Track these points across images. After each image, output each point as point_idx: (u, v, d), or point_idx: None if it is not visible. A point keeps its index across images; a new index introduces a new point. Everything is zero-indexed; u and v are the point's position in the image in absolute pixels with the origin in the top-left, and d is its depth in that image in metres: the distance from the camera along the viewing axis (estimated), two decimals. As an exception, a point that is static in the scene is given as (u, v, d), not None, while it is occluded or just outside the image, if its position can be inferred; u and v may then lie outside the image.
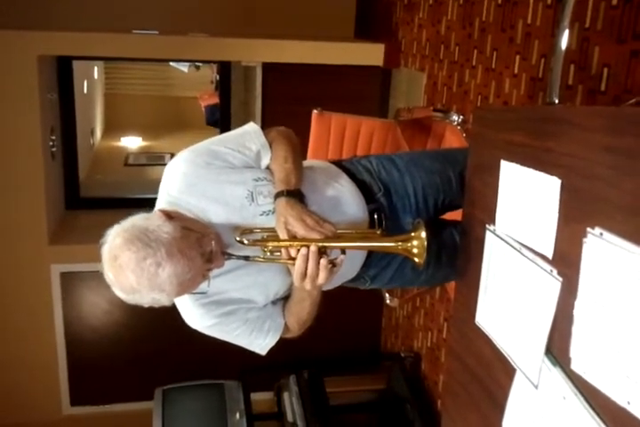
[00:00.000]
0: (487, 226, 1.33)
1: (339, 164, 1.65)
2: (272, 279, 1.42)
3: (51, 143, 4.41)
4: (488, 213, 1.33)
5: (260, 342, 1.48)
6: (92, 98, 7.59)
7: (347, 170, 1.62)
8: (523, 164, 1.20)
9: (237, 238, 1.32)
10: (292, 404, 3.98)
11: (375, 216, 1.55)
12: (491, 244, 1.32)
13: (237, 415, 3.93)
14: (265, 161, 1.47)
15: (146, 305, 1.28)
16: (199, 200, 1.39)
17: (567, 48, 1.80)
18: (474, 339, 1.39)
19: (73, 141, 4.86)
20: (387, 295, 2.64)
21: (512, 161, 1.24)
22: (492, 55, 2.99)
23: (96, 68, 7.93)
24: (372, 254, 1.56)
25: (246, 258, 1.33)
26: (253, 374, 4.09)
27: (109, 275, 1.25)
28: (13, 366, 4.63)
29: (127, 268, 1.21)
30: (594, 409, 0.99)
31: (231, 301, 1.44)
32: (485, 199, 1.34)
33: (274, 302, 1.50)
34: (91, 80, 7.34)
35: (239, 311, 1.45)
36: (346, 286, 1.67)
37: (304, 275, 1.28)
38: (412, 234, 1.28)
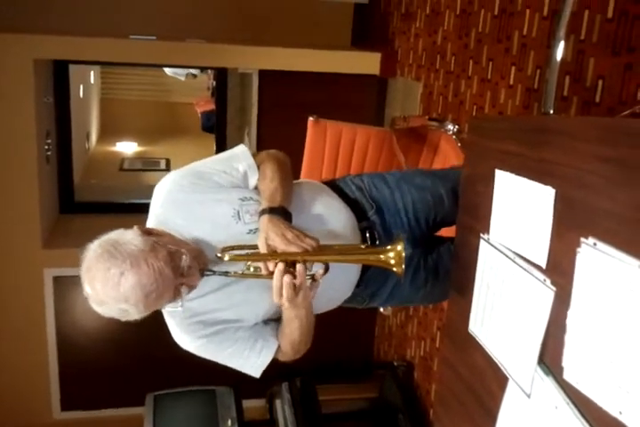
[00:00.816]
0: (481, 235, 1.33)
1: (331, 183, 1.67)
2: (261, 297, 1.41)
3: (46, 147, 4.40)
4: (482, 223, 1.33)
5: (254, 362, 1.47)
6: (88, 102, 7.59)
7: (339, 189, 1.63)
8: (517, 173, 1.20)
9: (218, 255, 1.33)
10: (284, 411, 3.96)
11: (367, 234, 1.56)
12: (485, 253, 1.32)
13: (229, 422, 3.91)
14: (252, 181, 1.48)
15: (121, 318, 1.30)
16: (185, 219, 1.41)
17: (562, 59, 1.82)
18: (467, 348, 1.39)
19: (68, 146, 4.86)
20: (380, 303, 2.64)
21: (507, 170, 1.24)
22: (487, 66, 3.01)
23: (92, 73, 7.93)
24: (366, 272, 1.56)
25: (226, 273, 1.34)
26: (245, 381, 4.06)
27: (85, 286, 1.28)
28: (4, 370, 4.60)
29: (96, 278, 1.25)
30: (586, 419, 0.99)
31: (219, 321, 1.44)
32: (480, 208, 1.35)
33: (265, 323, 1.50)
34: (87, 84, 7.34)
35: (228, 331, 1.45)
36: (343, 307, 1.66)
37: (281, 290, 1.28)
38: (389, 247, 1.29)
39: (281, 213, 1.36)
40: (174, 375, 4.44)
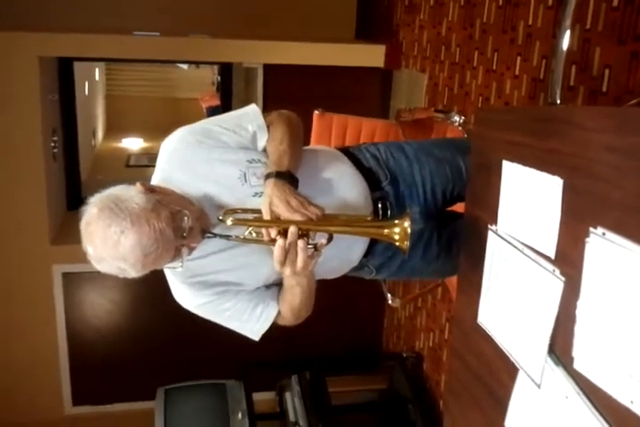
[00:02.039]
0: (489, 226, 1.33)
1: (346, 150, 1.63)
2: (263, 262, 1.39)
3: (52, 144, 4.42)
4: (490, 213, 1.33)
5: (253, 326, 1.45)
6: (94, 99, 7.60)
7: (354, 156, 1.59)
8: (525, 164, 1.20)
9: (220, 218, 1.31)
10: (294, 404, 3.98)
11: (379, 205, 1.52)
12: (493, 244, 1.32)
13: (239, 415, 3.93)
14: (261, 143, 1.45)
15: (118, 275, 1.27)
16: (190, 177, 1.39)
17: (568, 49, 1.80)
18: (476, 339, 1.39)
19: (74, 142, 4.87)
20: (389, 295, 2.63)
21: (514, 161, 1.24)
22: (492, 56, 2.99)
23: (97, 70, 7.94)
24: (375, 243, 1.53)
25: (227, 237, 1.31)
26: (255, 374, 4.10)
27: (83, 241, 1.25)
28: (15, 366, 4.64)
29: (95, 234, 1.22)
30: (597, 408, 0.99)
31: (220, 283, 1.42)
32: (487, 199, 1.35)
33: (267, 287, 1.48)
34: (92, 81, 7.35)
35: (229, 293, 1.43)
36: (350, 276, 1.64)
37: (282, 259, 1.25)
38: (396, 221, 1.26)
39: (287, 177, 1.32)
40: (184, 369, 4.47)
